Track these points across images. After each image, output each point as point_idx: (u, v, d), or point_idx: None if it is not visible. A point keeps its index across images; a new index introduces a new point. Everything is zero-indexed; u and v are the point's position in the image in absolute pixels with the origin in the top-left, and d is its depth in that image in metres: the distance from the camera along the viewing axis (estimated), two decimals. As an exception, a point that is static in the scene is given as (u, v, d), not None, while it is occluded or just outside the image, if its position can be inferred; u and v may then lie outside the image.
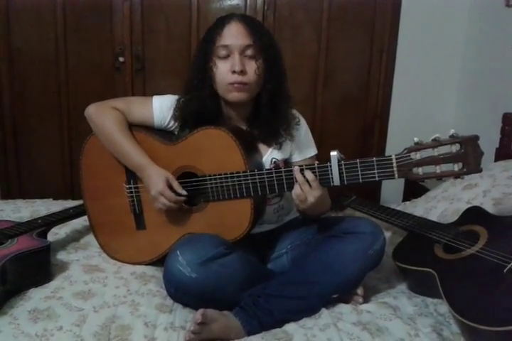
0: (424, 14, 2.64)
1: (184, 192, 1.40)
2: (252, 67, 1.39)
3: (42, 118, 2.72)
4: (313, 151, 1.57)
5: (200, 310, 1.19)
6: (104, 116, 1.48)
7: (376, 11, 2.64)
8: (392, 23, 2.64)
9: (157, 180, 1.39)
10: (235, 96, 1.41)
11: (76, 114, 2.65)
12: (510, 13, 2.29)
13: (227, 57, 1.39)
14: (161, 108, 1.49)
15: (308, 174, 1.28)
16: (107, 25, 2.61)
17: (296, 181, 1.29)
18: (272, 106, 1.44)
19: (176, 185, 1.40)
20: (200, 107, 1.44)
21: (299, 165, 1.31)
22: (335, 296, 1.34)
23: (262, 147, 1.49)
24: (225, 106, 1.48)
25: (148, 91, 2.67)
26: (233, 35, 1.38)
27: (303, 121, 1.56)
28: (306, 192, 1.28)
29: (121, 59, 2.63)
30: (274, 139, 1.48)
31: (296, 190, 1.29)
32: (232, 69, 1.38)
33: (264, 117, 1.45)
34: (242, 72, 1.38)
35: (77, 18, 2.60)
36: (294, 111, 1.53)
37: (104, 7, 2.58)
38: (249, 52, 1.39)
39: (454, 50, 2.70)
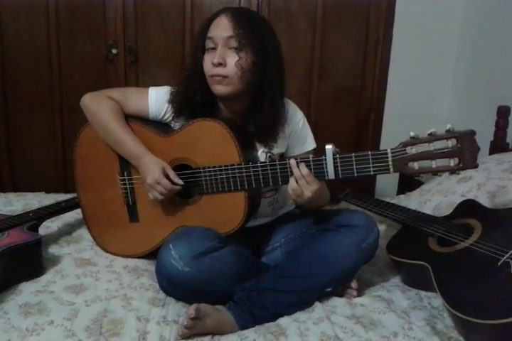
0: (420, 6, 2.62)
1: (180, 182, 1.38)
2: (233, 58, 1.35)
3: (34, 111, 2.69)
4: (311, 145, 1.54)
5: (194, 305, 1.19)
6: (99, 105, 1.47)
7: (371, 2, 2.61)
8: (387, 15, 2.61)
9: (154, 168, 1.38)
10: (216, 89, 1.38)
11: (69, 107, 2.62)
12: (506, 6, 2.27)
13: (213, 49, 1.37)
14: (157, 99, 1.48)
15: (303, 168, 1.27)
16: (100, 16, 2.56)
17: (292, 175, 1.28)
18: (265, 102, 1.39)
19: (172, 174, 1.38)
20: (190, 98, 1.41)
21: (294, 159, 1.29)
22: (329, 289, 1.34)
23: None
24: (219, 100, 1.45)
25: (141, 83, 2.64)
26: (217, 27, 1.36)
27: (301, 115, 1.53)
28: (302, 186, 1.27)
29: (114, 51, 2.59)
30: (269, 138, 1.45)
31: (292, 184, 1.28)
32: (211, 62, 1.36)
33: (259, 113, 1.41)
34: (221, 65, 1.35)
35: (69, 9, 2.56)
36: (292, 106, 1.51)
37: (96, -2, 2.55)
38: (233, 43, 1.34)
39: (450, 42, 2.69)
